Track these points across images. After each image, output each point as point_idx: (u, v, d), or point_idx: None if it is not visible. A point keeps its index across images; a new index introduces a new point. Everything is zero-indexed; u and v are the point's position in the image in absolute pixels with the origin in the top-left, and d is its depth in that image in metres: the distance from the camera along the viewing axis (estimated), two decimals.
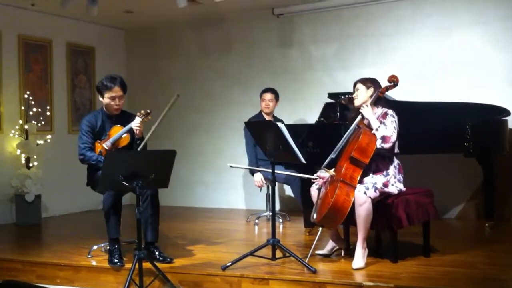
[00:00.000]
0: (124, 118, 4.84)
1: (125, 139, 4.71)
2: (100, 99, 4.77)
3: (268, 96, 6.44)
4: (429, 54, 6.75)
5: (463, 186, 6.54)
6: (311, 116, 6.85)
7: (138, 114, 4.70)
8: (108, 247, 4.65)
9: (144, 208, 4.48)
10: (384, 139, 4.23)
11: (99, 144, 4.72)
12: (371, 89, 4.43)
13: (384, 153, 4.34)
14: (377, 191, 4.23)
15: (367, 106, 4.37)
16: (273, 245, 4.42)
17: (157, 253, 4.57)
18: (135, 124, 4.66)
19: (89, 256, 4.81)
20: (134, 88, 8.51)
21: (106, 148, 4.65)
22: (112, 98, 4.69)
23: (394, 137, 4.27)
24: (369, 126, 4.37)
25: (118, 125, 4.76)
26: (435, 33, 6.73)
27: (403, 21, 6.91)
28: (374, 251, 4.59)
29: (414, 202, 4.43)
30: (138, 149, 4.60)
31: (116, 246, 4.55)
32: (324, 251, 4.62)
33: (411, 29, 6.86)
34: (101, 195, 4.71)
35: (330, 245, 4.64)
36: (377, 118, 4.36)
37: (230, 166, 4.86)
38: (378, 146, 4.23)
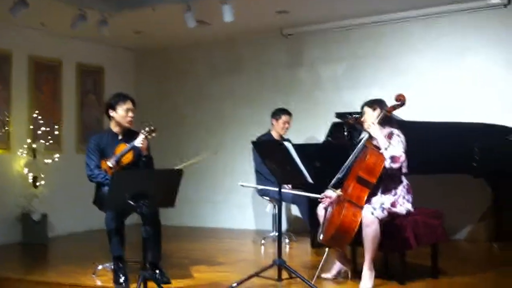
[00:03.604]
0: (131, 136, 4.86)
1: (128, 156, 4.73)
2: (112, 114, 4.79)
3: (287, 118, 6.47)
4: (440, 74, 6.74)
5: (473, 207, 6.45)
6: (320, 135, 6.83)
7: (142, 131, 4.72)
8: (112, 266, 4.60)
9: (146, 228, 4.38)
10: (393, 159, 4.19)
11: (104, 162, 4.73)
12: (377, 110, 4.41)
13: (392, 173, 4.29)
14: (384, 211, 4.18)
15: (373, 124, 4.33)
16: (279, 265, 4.38)
17: (158, 272, 4.50)
18: (138, 141, 4.68)
19: (94, 276, 4.78)
20: (143, 108, 8.48)
21: (111, 165, 4.67)
22: (127, 110, 4.79)
23: (403, 157, 4.22)
24: (376, 146, 4.33)
25: (123, 143, 4.79)
26: (446, 54, 6.72)
27: (414, 41, 6.91)
28: (382, 272, 4.51)
29: (423, 223, 4.37)
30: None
31: (120, 265, 4.51)
32: (330, 275, 4.54)
33: (421, 49, 6.86)
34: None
35: (336, 268, 4.56)
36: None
37: (241, 185, 4.82)
38: (387, 166, 4.18)
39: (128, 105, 4.80)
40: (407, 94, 4.40)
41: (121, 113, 4.79)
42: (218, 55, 8.22)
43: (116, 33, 7.12)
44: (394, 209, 4.24)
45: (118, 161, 4.70)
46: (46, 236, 6.83)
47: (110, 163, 4.69)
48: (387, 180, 4.31)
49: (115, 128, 4.85)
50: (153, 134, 4.73)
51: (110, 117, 4.85)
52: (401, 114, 5.11)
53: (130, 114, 4.81)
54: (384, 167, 4.18)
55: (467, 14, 6.58)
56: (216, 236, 7.27)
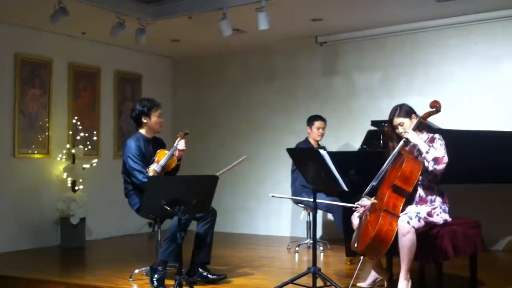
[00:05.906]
0: (156, 141, 5.01)
1: (174, 161, 4.82)
2: (146, 120, 4.88)
3: (322, 124, 6.47)
4: (475, 82, 6.64)
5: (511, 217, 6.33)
6: (355, 143, 6.79)
7: (179, 136, 4.83)
8: (151, 269, 4.64)
9: (206, 230, 4.74)
10: (436, 160, 4.10)
11: (148, 170, 4.76)
12: (414, 116, 4.34)
13: (428, 182, 4.24)
14: (421, 220, 4.12)
15: (409, 131, 4.26)
16: (314, 273, 4.36)
17: (209, 275, 4.72)
18: (182, 146, 4.79)
19: (131, 279, 4.85)
20: (180, 115, 8.69)
21: (158, 172, 4.71)
22: (159, 116, 4.91)
23: (446, 158, 4.13)
24: (411, 153, 4.28)
25: (163, 149, 4.89)
26: (484, 62, 6.63)
27: (450, 49, 6.83)
28: (419, 283, 4.46)
29: (461, 233, 4.29)
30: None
31: (160, 268, 4.57)
32: (366, 284, 4.51)
33: (458, 57, 6.78)
34: (142, 219, 4.79)
35: (372, 276, 4.52)
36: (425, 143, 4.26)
37: (272, 196, 4.84)
38: (431, 169, 4.12)
39: (159, 110, 4.93)
40: (442, 102, 4.34)
41: (155, 119, 4.89)
42: (253, 63, 8.26)
43: (154, 41, 7.23)
44: (430, 219, 4.18)
45: (163, 167, 4.74)
46: (84, 239, 6.96)
47: (156, 169, 4.72)
48: (423, 190, 4.26)
49: (147, 134, 4.94)
50: (188, 138, 4.87)
51: (141, 124, 4.92)
52: (437, 122, 5.05)
53: (161, 119, 4.94)
54: (421, 174, 4.13)
55: (503, 21, 6.50)
56: (250, 242, 7.28)
